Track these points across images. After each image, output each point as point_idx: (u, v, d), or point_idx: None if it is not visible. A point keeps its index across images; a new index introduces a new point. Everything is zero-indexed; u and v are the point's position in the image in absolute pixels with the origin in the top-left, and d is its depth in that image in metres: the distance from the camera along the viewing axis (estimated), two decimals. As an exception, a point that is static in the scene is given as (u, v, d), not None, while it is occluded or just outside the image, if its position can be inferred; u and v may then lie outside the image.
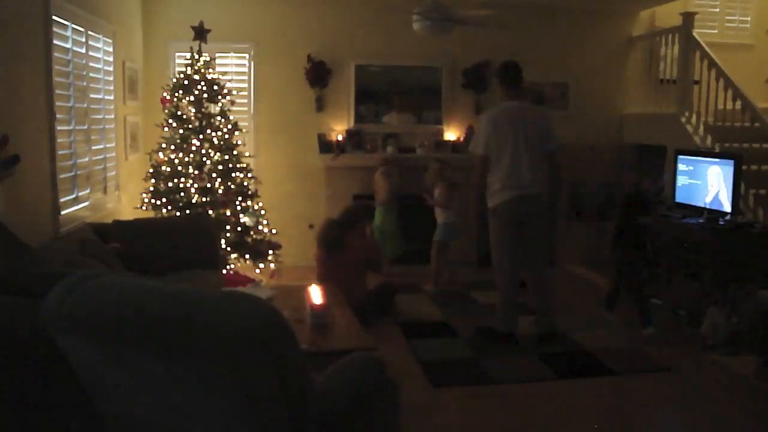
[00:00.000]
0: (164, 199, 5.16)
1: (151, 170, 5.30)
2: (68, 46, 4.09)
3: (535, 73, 6.76)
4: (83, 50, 4.35)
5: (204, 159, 5.23)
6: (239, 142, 5.45)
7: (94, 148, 4.61)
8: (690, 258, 4.77)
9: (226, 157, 5.32)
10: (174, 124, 5.25)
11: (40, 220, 3.71)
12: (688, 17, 5.94)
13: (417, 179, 6.46)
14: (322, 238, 4.84)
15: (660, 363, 4.01)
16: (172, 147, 5.24)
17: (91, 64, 4.51)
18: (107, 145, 4.90)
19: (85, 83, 4.38)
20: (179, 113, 5.27)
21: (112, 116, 5.02)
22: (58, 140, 3.91)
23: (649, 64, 6.67)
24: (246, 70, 6.32)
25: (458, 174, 5.79)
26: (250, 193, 5.47)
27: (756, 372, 3.81)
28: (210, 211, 5.14)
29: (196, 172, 5.21)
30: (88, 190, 4.51)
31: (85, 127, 4.40)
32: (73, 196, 4.22)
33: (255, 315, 1.55)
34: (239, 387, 1.52)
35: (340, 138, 6.38)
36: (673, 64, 6.14)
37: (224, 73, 5.70)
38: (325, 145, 6.35)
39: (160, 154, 5.28)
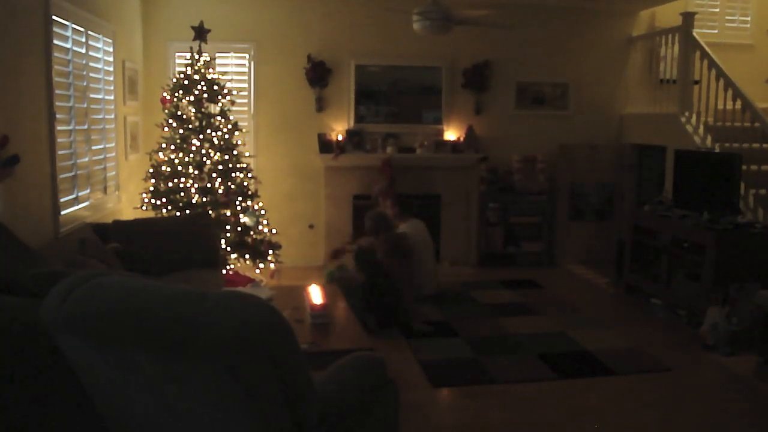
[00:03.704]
0: (164, 199, 5.16)
1: (151, 170, 5.30)
2: (68, 46, 4.09)
3: (535, 73, 6.80)
4: (83, 50, 4.35)
5: (204, 159, 5.23)
6: (239, 142, 5.45)
7: (94, 148, 4.61)
8: (690, 258, 4.77)
9: (226, 157, 5.32)
10: (174, 124, 5.25)
11: (40, 220, 3.71)
12: (688, 17, 5.94)
13: (417, 179, 6.50)
14: (397, 247, 4.87)
15: (660, 363, 4.01)
16: (172, 147, 5.24)
17: (91, 64, 4.51)
18: (107, 145, 4.90)
19: (85, 83, 4.38)
20: (179, 113, 5.26)
21: (112, 116, 5.02)
22: (58, 140, 3.91)
23: (649, 64, 6.67)
24: (246, 70, 6.32)
25: None
26: (250, 193, 5.47)
27: (756, 372, 3.81)
28: (210, 211, 5.14)
29: (196, 172, 5.22)
30: (88, 190, 4.51)
31: (85, 127, 4.40)
32: (73, 196, 4.22)
33: (255, 315, 1.55)
34: (239, 387, 1.52)
35: (340, 138, 6.38)
36: (673, 64, 6.14)
37: (224, 73, 5.70)
38: (325, 145, 6.35)
39: (160, 154, 5.28)
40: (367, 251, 4.94)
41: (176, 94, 5.28)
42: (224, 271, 5.10)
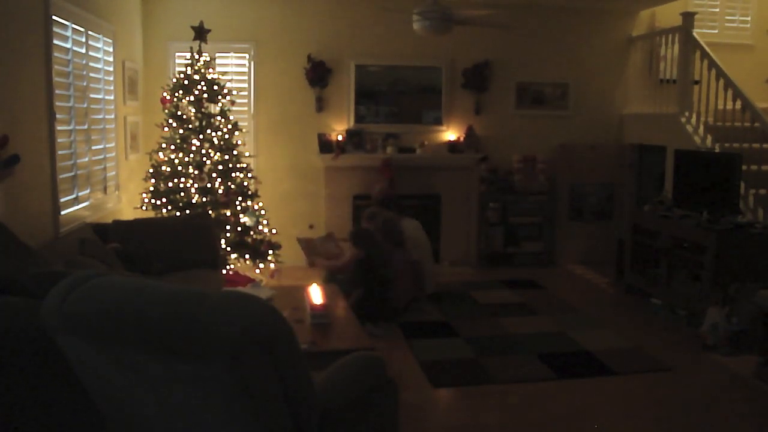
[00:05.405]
0: (164, 199, 5.16)
1: (151, 170, 5.30)
2: (68, 46, 4.09)
3: (535, 73, 6.80)
4: (83, 50, 4.35)
5: (204, 159, 5.23)
6: (239, 142, 5.45)
7: (94, 148, 4.61)
8: (690, 258, 4.77)
9: (226, 157, 5.32)
10: (174, 124, 5.25)
11: (40, 220, 3.71)
12: (688, 17, 5.94)
13: (417, 179, 6.50)
14: (391, 234, 4.90)
15: (660, 363, 4.01)
16: (172, 147, 5.24)
17: (91, 64, 4.51)
18: (107, 145, 4.90)
19: (85, 83, 4.38)
20: (179, 113, 5.26)
21: (112, 116, 5.02)
22: (58, 140, 3.91)
23: (649, 64, 6.67)
24: (246, 70, 6.31)
25: None
26: (250, 193, 5.47)
27: (756, 372, 3.81)
28: (210, 211, 5.14)
29: (196, 172, 5.21)
30: (88, 190, 4.51)
31: (85, 127, 4.40)
32: (73, 196, 4.22)
33: (255, 315, 1.55)
34: (239, 387, 1.52)
35: (340, 138, 6.38)
36: (673, 64, 6.14)
37: (224, 73, 5.69)
38: (325, 145, 6.35)
39: (160, 154, 5.28)
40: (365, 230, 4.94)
41: (176, 94, 5.28)
42: (224, 271, 5.10)
